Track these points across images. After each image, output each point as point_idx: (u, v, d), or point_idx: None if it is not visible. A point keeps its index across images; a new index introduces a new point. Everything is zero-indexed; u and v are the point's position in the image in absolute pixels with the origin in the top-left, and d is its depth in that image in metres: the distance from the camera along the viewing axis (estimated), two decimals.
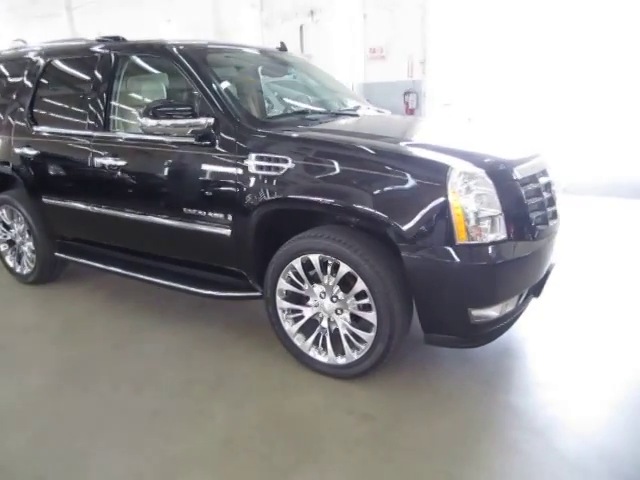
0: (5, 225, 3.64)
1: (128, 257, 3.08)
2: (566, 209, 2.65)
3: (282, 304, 2.40)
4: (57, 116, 3.21)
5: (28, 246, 3.52)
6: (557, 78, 7.04)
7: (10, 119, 3.38)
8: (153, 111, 2.37)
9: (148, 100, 2.85)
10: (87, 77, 2.98)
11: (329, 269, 2.22)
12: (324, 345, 2.35)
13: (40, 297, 3.50)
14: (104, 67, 2.91)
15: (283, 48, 3.50)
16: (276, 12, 8.82)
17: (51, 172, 3.15)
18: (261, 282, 2.52)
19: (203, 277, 2.79)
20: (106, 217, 2.94)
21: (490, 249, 1.96)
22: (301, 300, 2.39)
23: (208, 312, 3.12)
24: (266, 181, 2.30)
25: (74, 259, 3.29)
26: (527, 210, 2.12)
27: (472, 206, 1.94)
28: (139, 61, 2.93)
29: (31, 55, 3.39)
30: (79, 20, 10.65)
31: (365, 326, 2.22)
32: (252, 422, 2.09)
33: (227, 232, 2.49)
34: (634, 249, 4.08)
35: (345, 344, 2.27)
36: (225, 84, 2.58)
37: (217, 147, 2.43)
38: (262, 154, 2.32)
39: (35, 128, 3.23)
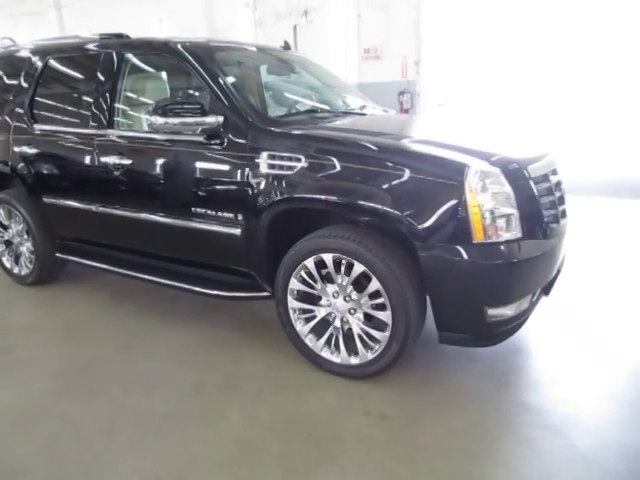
0: (2, 225, 3.56)
1: (132, 257, 3.04)
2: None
3: (294, 304, 2.38)
4: (59, 114, 3.15)
5: (27, 246, 3.45)
6: (550, 78, 7.11)
7: (8, 118, 3.31)
8: (162, 109, 2.34)
9: (154, 98, 2.80)
10: (90, 75, 2.92)
11: (343, 269, 2.20)
12: (337, 345, 2.33)
13: (39, 299, 3.43)
14: (108, 65, 2.86)
15: (286, 47, 3.48)
16: (269, 12, 8.78)
17: (53, 171, 3.10)
18: (271, 282, 2.50)
19: (208, 277, 2.76)
20: (111, 217, 2.89)
21: (506, 248, 1.97)
22: (313, 300, 2.37)
23: (212, 313, 3.09)
24: (278, 180, 2.28)
25: (76, 259, 3.23)
26: (541, 209, 2.13)
27: (489, 205, 1.94)
28: (144, 59, 2.89)
29: (30, 53, 3.32)
30: (68, 19, 10.50)
31: (378, 325, 2.21)
32: (266, 423, 2.06)
33: (237, 231, 2.46)
34: (631, 247, 4.14)
35: (359, 344, 2.26)
36: (235, 82, 2.55)
37: (227, 146, 2.40)
38: (274, 152, 2.29)
39: (36, 126, 3.16)
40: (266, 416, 2.11)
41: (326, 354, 2.36)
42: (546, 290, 2.41)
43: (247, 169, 2.36)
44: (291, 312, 2.40)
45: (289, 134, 2.35)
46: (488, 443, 1.92)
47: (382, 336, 2.18)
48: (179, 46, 2.66)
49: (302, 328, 2.40)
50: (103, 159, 2.80)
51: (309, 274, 2.30)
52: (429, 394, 2.23)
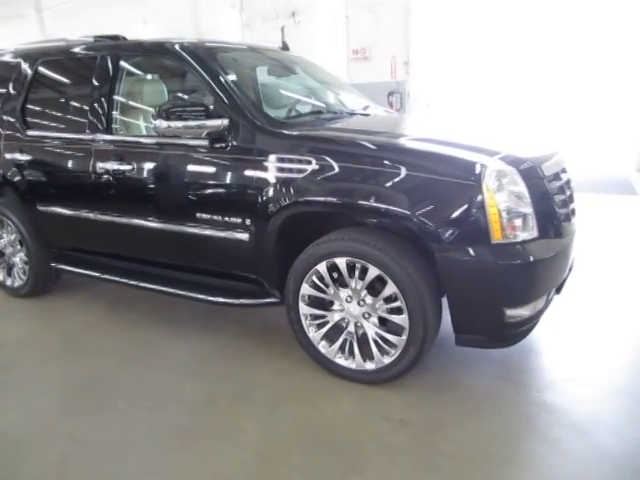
0: None
1: (132, 266, 2.95)
2: None
3: (305, 310, 2.33)
4: (53, 119, 3.04)
5: (20, 257, 3.34)
6: (536, 76, 7.19)
7: None
8: (167, 112, 2.27)
9: (155, 102, 2.73)
10: (87, 78, 2.82)
11: (357, 272, 2.16)
12: (351, 351, 2.29)
13: (34, 311, 3.31)
14: (105, 68, 2.76)
15: (285, 48, 3.42)
16: (256, 13, 8.72)
17: (48, 178, 2.99)
18: (280, 288, 2.45)
19: (210, 284, 2.69)
20: (111, 224, 2.79)
21: (525, 247, 1.95)
22: (325, 305, 2.32)
23: (215, 320, 3.01)
24: (288, 183, 2.22)
25: (73, 269, 3.13)
26: (555, 207, 2.12)
27: (506, 204, 1.92)
28: (143, 61, 2.81)
29: (21, 56, 3.20)
30: (49, 21, 10.28)
31: (393, 329, 2.17)
32: (285, 434, 2.01)
33: (245, 237, 2.40)
34: (630, 243, 4.18)
35: (374, 349, 2.22)
36: (239, 84, 2.49)
37: (233, 149, 2.34)
38: (283, 155, 2.24)
39: (29, 132, 3.05)
40: (283, 426, 2.05)
41: (340, 360, 2.31)
42: (558, 289, 2.40)
43: (255, 172, 2.30)
44: (303, 318, 2.34)
45: (298, 136, 2.29)
46: (513, 446, 1.89)
47: (399, 340, 2.14)
48: (179, 47, 2.58)
49: (314, 334, 2.35)
50: (102, 165, 2.71)
51: (321, 279, 2.25)
52: (447, 397, 2.20)
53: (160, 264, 2.85)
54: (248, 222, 2.37)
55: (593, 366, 2.40)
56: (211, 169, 2.42)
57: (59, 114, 3.05)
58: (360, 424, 2.04)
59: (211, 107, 2.37)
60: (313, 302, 2.32)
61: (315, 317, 2.34)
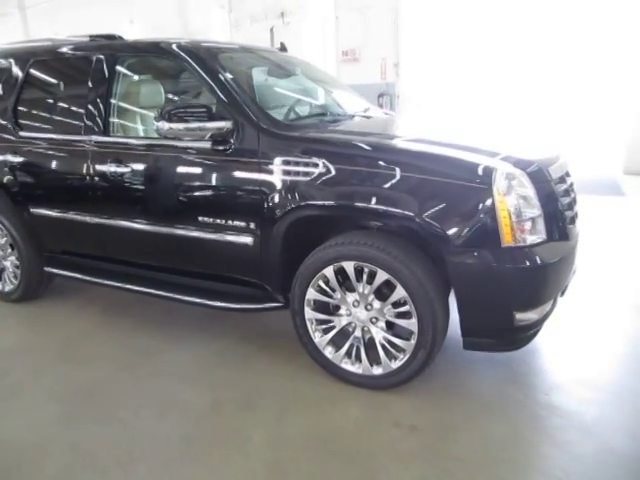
0: None
1: (129, 270, 2.88)
2: None
3: (311, 315, 2.30)
4: (47, 120, 2.96)
5: (10, 261, 3.24)
6: (525, 77, 7.27)
7: None
8: (169, 114, 2.22)
9: (153, 102, 2.67)
10: (83, 78, 2.74)
11: (364, 277, 2.14)
12: (358, 356, 2.26)
13: (26, 316, 3.22)
14: (102, 68, 2.70)
15: (283, 49, 3.39)
16: (245, 13, 8.66)
17: (42, 180, 2.91)
18: (284, 292, 2.41)
19: (209, 288, 2.64)
20: (109, 228, 2.73)
21: (534, 250, 1.95)
22: (331, 310, 2.29)
23: (214, 325, 2.96)
24: (294, 187, 2.19)
25: (67, 273, 3.04)
26: (562, 210, 2.12)
27: (516, 208, 1.92)
28: (141, 61, 2.75)
29: (14, 56, 3.11)
30: (33, 20, 10.06)
31: (400, 334, 2.15)
32: (294, 441, 1.97)
33: (248, 241, 2.36)
34: (629, 243, 4.23)
35: (382, 354, 2.20)
36: (242, 85, 2.44)
37: (237, 151, 2.30)
38: (289, 158, 2.21)
39: (21, 133, 2.96)
40: (292, 433, 2.02)
41: (347, 365, 2.28)
42: (562, 291, 2.41)
43: (259, 175, 2.26)
44: (308, 323, 2.31)
45: (304, 138, 2.26)
46: (525, 450, 1.89)
47: (407, 345, 2.12)
48: (178, 47, 2.53)
49: (320, 339, 2.32)
50: (100, 167, 2.64)
51: (327, 283, 2.22)
52: (455, 401, 2.19)
53: (159, 268, 2.79)
54: (252, 226, 2.33)
55: (597, 367, 2.41)
56: (213, 172, 2.38)
57: (53, 115, 2.97)
58: (370, 430, 2.02)
59: (214, 109, 2.33)
60: (319, 307, 2.29)
61: (321, 322, 2.31)
